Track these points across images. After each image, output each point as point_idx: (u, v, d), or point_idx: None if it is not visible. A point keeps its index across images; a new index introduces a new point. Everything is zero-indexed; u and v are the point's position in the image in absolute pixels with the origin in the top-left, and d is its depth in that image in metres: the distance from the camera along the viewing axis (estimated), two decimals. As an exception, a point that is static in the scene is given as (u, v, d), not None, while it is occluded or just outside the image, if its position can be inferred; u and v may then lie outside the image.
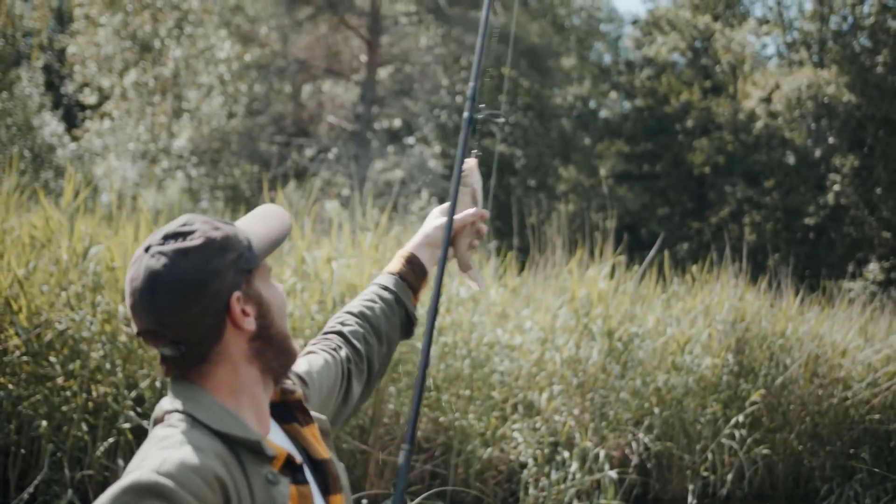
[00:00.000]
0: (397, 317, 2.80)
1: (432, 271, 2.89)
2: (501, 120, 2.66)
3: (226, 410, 2.10)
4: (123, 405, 7.79)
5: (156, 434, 2.07)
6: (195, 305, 2.08)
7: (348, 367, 2.64)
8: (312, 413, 2.33)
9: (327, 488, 2.23)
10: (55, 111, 22.61)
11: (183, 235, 2.12)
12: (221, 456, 2.02)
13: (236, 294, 2.11)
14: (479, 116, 2.67)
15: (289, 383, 2.34)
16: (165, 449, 1.98)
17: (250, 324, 2.14)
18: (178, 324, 2.08)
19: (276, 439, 2.22)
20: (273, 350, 2.20)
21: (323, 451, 2.26)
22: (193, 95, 23.63)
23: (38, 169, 18.56)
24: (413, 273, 2.87)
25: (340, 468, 2.30)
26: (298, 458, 2.16)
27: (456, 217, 2.84)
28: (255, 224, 2.25)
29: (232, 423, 2.08)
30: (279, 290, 2.28)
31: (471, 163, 2.82)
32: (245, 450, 2.06)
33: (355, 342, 2.70)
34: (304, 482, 2.13)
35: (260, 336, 2.17)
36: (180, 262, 2.09)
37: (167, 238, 2.12)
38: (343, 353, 2.66)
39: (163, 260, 2.09)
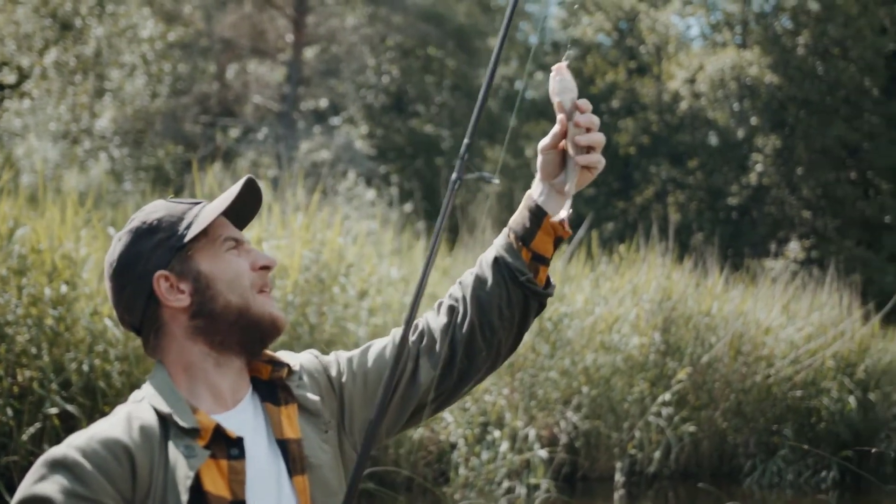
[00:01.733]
0: (499, 273, 2.32)
1: (559, 203, 2.30)
2: (496, 181, 2.38)
3: (169, 386, 2.16)
4: (49, 390, 7.69)
5: None
6: (126, 288, 2.20)
7: (418, 347, 2.39)
8: (300, 393, 2.27)
9: (291, 469, 2.20)
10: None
11: (131, 221, 2.25)
12: (146, 429, 2.08)
13: (159, 272, 2.17)
14: (469, 177, 2.24)
15: (283, 361, 2.31)
16: (94, 425, 2.11)
17: (181, 300, 2.18)
18: (120, 306, 2.23)
19: (239, 417, 2.20)
20: (222, 325, 2.19)
21: (288, 431, 2.22)
22: (116, 75, 23.30)
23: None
24: (520, 218, 2.34)
25: (316, 449, 2.24)
26: (234, 433, 2.12)
27: (549, 136, 2.30)
28: (217, 199, 2.26)
29: (163, 398, 2.13)
30: (235, 263, 2.22)
31: (556, 68, 2.28)
32: (172, 423, 2.10)
33: (437, 316, 2.41)
34: (239, 457, 2.11)
35: (199, 313, 2.18)
36: (115, 247, 2.23)
37: (127, 223, 2.25)
38: (413, 334, 2.41)
39: (110, 247, 2.25)
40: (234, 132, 25.39)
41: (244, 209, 2.34)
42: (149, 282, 2.18)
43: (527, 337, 10.37)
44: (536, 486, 9.65)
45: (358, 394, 2.37)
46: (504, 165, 28.92)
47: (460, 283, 2.41)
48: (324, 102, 27.14)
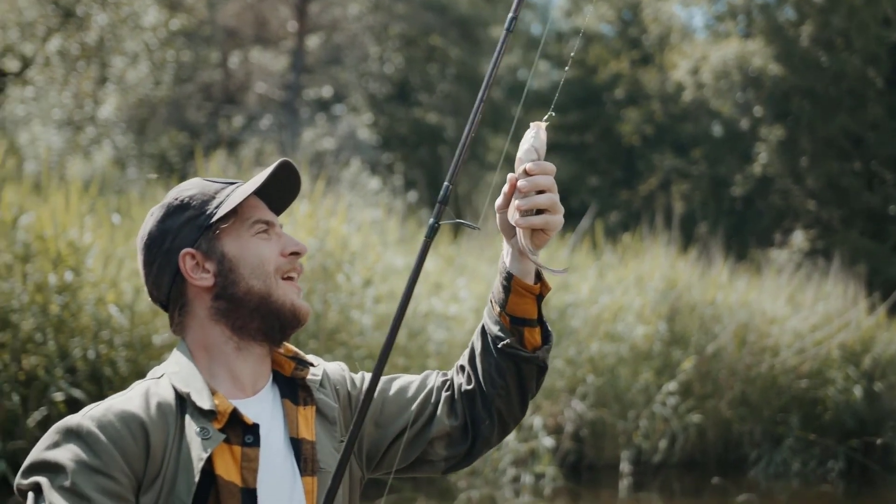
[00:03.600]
0: (485, 341, 2.29)
1: (525, 265, 2.23)
2: (477, 228, 2.34)
3: (190, 365, 2.16)
4: (55, 376, 7.68)
5: None
6: (155, 263, 2.20)
7: (441, 394, 2.36)
8: (320, 397, 2.26)
9: (301, 469, 2.18)
10: (-24, 77, 22.15)
11: (165, 197, 2.24)
12: (163, 406, 2.07)
13: (186, 250, 2.17)
14: (446, 223, 2.20)
15: (307, 360, 2.30)
16: (112, 397, 2.11)
17: (205, 280, 2.17)
18: (149, 281, 2.22)
19: (258, 406, 2.18)
20: (243, 310, 2.17)
21: (304, 431, 2.20)
22: (119, 63, 23.27)
23: (-41, 137, 18.18)
24: (496, 282, 2.29)
25: (328, 455, 2.21)
26: (251, 420, 2.11)
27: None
28: (252, 179, 2.23)
29: (183, 377, 2.13)
30: (261, 247, 2.19)
31: (534, 125, 2.26)
32: (190, 403, 2.09)
33: (454, 372, 2.40)
34: (253, 444, 2.09)
35: (221, 295, 2.17)
36: (147, 222, 2.23)
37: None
38: (441, 378, 2.41)
39: (143, 223, 2.24)
40: (238, 120, 25.35)
41: (282, 192, 2.30)
42: (175, 258, 2.17)
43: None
44: (542, 475, 9.64)
45: (370, 418, 2.34)
46: (508, 155, 28.84)
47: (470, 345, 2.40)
48: (327, 91, 27.09)
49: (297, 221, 9.83)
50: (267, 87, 26.22)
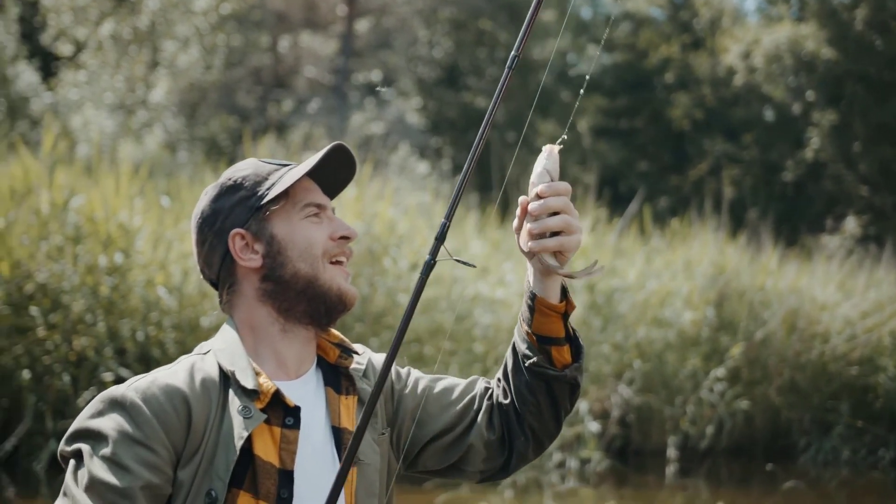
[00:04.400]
0: (515, 358, 2.28)
1: (547, 284, 2.20)
2: (473, 266, 2.33)
3: (236, 344, 2.17)
4: (104, 356, 7.77)
5: None
6: (206, 241, 2.22)
7: (482, 402, 2.36)
8: (363, 387, 2.25)
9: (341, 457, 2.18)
10: (31, 60, 22.36)
11: (221, 176, 2.27)
12: (207, 382, 2.10)
13: (235, 231, 2.18)
14: (442, 260, 2.17)
15: (352, 349, 2.30)
16: (158, 369, 2.15)
17: (253, 261, 2.18)
18: (201, 258, 2.25)
19: (301, 389, 2.19)
20: (290, 292, 2.18)
21: (345, 420, 2.20)
22: (170, 47, 23.42)
23: (13, 120, 18.38)
24: (524, 302, 2.26)
25: (367, 447, 2.21)
26: (293, 402, 2.11)
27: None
28: (305, 161, 2.24)
29: (228, 354, 2.14)
30: (310, 231, 2.20)
31: (546, 149, 2.21)
32: (234, 381, 2.10)
33: (495, 381, 2.39)
34: (293, 427, 2.10)
35: (269, 277, 2.18)
36: (202, 200, 2.25)
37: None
38: (484, 385, 2.41)
39: (198, 200, 2.28)
40: (287, 104, 25.43)
41: (336, 175, 2.31)
42: (225, 238, 2.19)
43: (578, 311, 10.33)
44: (588, 460, 9.63)
45: (409, 413, 2.35)
46: (555, 139, 28.72)
47: None
48: (376, 75, 27.10)
49: (344, 205, 9.86)
50: (316, 72, 26.29)
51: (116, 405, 2.05)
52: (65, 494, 2.03)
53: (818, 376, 11.57)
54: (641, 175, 28.56)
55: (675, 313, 10.97)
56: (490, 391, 2.36)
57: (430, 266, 2.13)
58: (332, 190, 2.32)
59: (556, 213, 2.13)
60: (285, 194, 2.19)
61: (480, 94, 28.73)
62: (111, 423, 2.03)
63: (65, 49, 23.29)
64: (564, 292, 2.22)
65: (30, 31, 23.99)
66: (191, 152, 19.73)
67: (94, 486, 1.99)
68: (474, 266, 2.31)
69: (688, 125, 29.92)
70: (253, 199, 2.19)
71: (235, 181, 2.21)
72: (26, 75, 21.12)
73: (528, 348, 2.24)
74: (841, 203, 25.70)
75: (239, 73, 25.18)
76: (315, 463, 2.14)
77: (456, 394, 2.37)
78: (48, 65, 23.79)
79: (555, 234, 2.14)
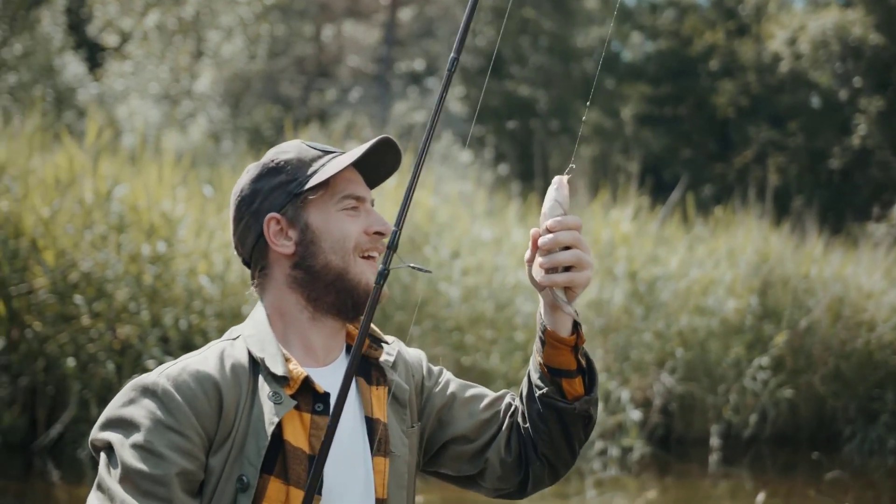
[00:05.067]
0: (528, 388, 2.27)
1: (557, 318, 2.16)
2: (429, 272, 2.29)
3: (266, 329, 2.17)
4: (148, 344, 7.84)
5: None
6: (242, 220, 2.23)
7: (507, 419, 2.36)
8: (394, 379, 2.25)
9: (373, 448, 2.19)
10: (77, 51, 22.56)
11: (266, 155, 2.26)
12: (237, 368, 2.10)
13: (272, 215, 2.18)
14: (397, 267, 2.16)
15: (384, 339, 2.30)
16: (187, 355, 2.15)
17: (285, 247, 2.18)
18: (235, 235, 2.25)
19: (330, 376, 2.18)
20: (319, 283, 2.18)
21: (377, 411, 2.21)
22: (214, 37, 23.55)
23: (60, 110, 18.57)
24: (537, 330, 2.24)
25: (397, 439, 2.23)
26: (322, 388, 2.12)
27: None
28: (349, 152, 2.23)
29: (258, 340, 2.15)
30: (345, 224, 2.19)
31: (556, 180, 2.18)
32: (264, 367, 2.10)
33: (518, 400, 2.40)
34: (323, 413, 2.10)
35: (300, 265, 2.18)
36: (243, 177, 2.25)
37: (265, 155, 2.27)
38: (510, 400, 2.41)
39: (240, 177, 2.27)
40: (331, 94, 25.50)
41: (380, 167, 2.29)
42: (261, 220, 2.19)
43: (620, 299, 10.30)
44: (629, 448, 9.60)
45: (436, 411, 2.35)
46: (599, 126, 28.66)
47: None
48: (419, 64, 27.11)
49: (385, 194, 9.88)
50: (359, 61, 26.33)
51: (148, 392, 2.05)
52: (99, 487, 2.03)
53: (863, 365, 11.47)
54: (686, 163, 28.38)
55: (718, 301, 10.90)
56: (513, 409, 2.36)
57: (383, 275, 2.10)
58: (374, 180, 2.30)
59: (567, 248, 2.11)
60: (325, 183, 2.18)
61: (523, 82, 28.66)
62: (143, 411, 2.03)
63: (111, 40, 23.48)
64: (576, 325, 2.19)
65: (76, 22, 24.20)
66: (234, 142, 19.84)
67: (128, 475, 1.98)
68: (430, 272, 2.31)
69: (733, 112, 29.70)
70: (293, 184, 2.18)
71: (278, 164, 2.21)
72: (73, 66, 21.33)
73: (539, 378, 2.24)
74: (888, 190, 25.40)
75: (282, 62, 25.28)
76: (345, 450, 2.14)
77: (483, 404, 2.37)
78: (94, 55, 24.00)
79: (566, 268, 2.11)
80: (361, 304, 2.20)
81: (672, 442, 10.55)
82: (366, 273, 2.19)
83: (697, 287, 10.95)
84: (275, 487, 2.06)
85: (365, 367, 2.26)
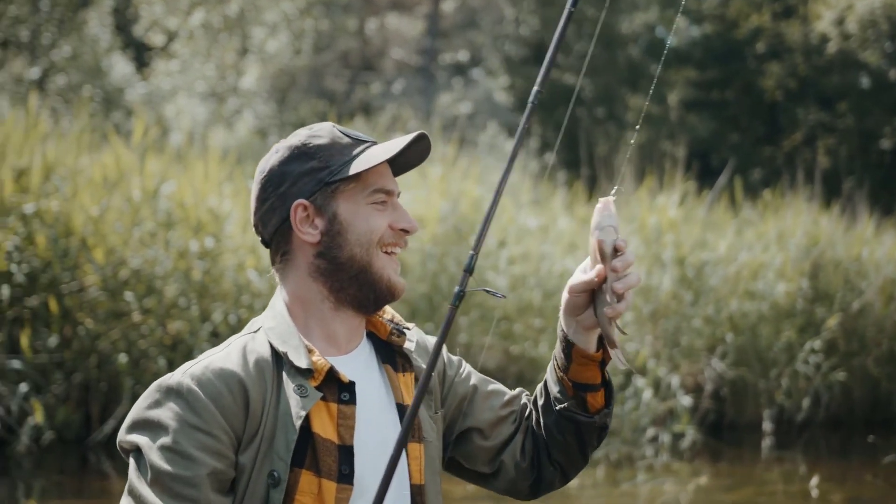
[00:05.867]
0: (546, 398, 2.30)
1: (588, 337, 2.19)
2: (501, 296, 2.25)
3: (286, 321, 2.15)
4: (199, 339, 7.92)
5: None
6: (267, 201, 2.18)
7: (523, 420, 2.39)
8: (419, 365, 2.25)
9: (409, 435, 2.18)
10: (125, 51, 22.78)
11: (295, 135, 2.21)
12: (261, 363, 2.08)
13: (300, 201, 2.14)
14: (473, 290, 2.14)
15: (405, 326, 2.30)
16: (209, 353, 2.13)
17: (311, 235, 2.15)
18: (257, 215, 2.21)
19: (352, 363, 2.18)
20: (342, 274, 2.16)
21: (406, 397, 2.21)
22: (259, 34, 23.68)
23: (108, 110, 18.76)
24: (558, 346, 2.25)
25: (427, 423, 2.23)
26: (347, 378, 2.11)
27: (582, 279, 2.16)
28: (382, 145, 2.19)
29: (280, 333, 2.13)
30: (373, 218, 2.16)
31: (602, 202, 2.15)
32: (287, 361, 2.09)
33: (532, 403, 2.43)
34: (349, 402, 2.10)
35: (324, 255, 2.15)
36: (271, 157, 2.20)
37: (292, 134, 2.22)
38: (526, 399, 2.43)
39: (269, 152, 2.22)
40: (376, 87, 25.57)
41: (408, 160, 2.27)
42: (289, 204, 2.15)
43: (668, 284, 10.26)
44: (681, 434, 9.56)
45: (458, 400, 2.35)
46: (647, 114, 28.49)
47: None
48: (463, 55, 27.11)
49: (430, 185, 9.90)
50: (403, 53, 26.38)
51: (172, 393, 2.04)
52: (130, 493, 2.02)
53: (919, 346, 11.34)
54: (733, 147, 28.15)
55: (768, 285, 10.82)
56: (528, 411, 2.38)
57: (459, 296, 2.11)
58: (400, 169, 2.29)
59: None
60: (356, 175, 2.15)
61: (568, 70, 28.55)
62: (169, 413, 2.02)
63: (157, 39, 23.67)
64: (600, 340, 2.21)
65: (123, 22, 24.44)
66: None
67: (158, 478, 1.98)
68: (504, 297, 2.28)
69: (780, 95, 29.41)
70: (324, 172, 2.15)
71: (310, 148, 2.16)
72: (120, 66, 21.54)
73: (560, 392, 2.25)
74: (941, 170, 25.11)
75: (327, 57, 25.38)
76: (374, 437, 2.13)
77: (503, 401, 2.38)
78: (141, 55, 24.22)
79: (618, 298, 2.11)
80: (382, 299, 2.19)
81: (724, 427, 10.49)
82: (387, 268, 2.17)
83: (747, 271, 10.87)
84: (307, 480, 2.05)
85: (390, 355, 2.25)
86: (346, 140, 2.19)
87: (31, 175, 8.22)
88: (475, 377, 2.40)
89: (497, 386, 2.41)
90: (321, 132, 2.19)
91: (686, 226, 11.09)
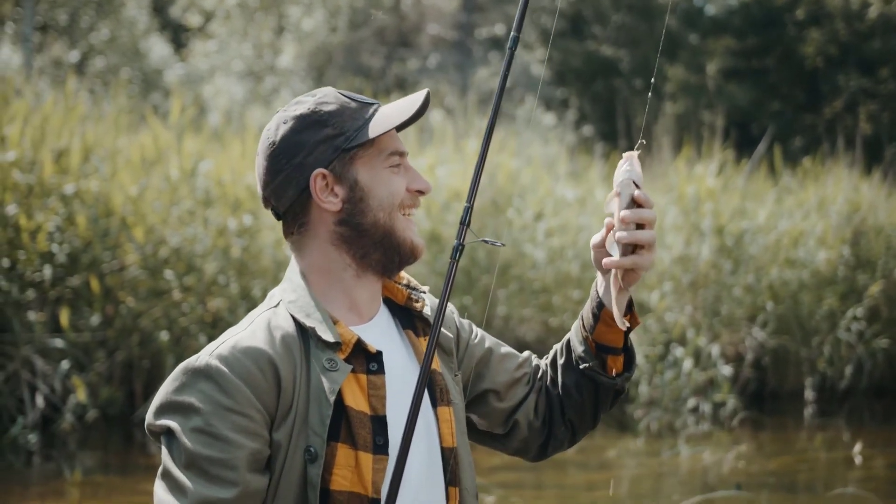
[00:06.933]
0: (568, 356, 2.34)
1: (619, 298, 2.18)
2: (500, 244, 2.27)
3: (306, 292, 2.13)
4: (238, 316, 7.97)
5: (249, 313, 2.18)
6: (281, 174, 2.13)
7: (536, 382, 2.42)
8: (441, 329, 2.20)
9: (436, 398, 2.18)
10: (162, 33, 22.90)
11: (299, 103, 2.16)
12: (287, 339, 2.06)
13: (319, 170, 2.11)
14: (471, 242, 2.17)
15: (421, 295, 2.29)
16: (233, 332, 2.09)
17: (332, 204, 2.12)
18: (269, 188, 2.16)
19: (374, 331, 2.18)
20: (366, 240, 2.14)
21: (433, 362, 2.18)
22: (295, 12, 23.71)
23: (146, 92, 18.88)
24: (588, 306, 2.30)
25: (451, 385, 2.23)
26: (374, 348, 2.11)
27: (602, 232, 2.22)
28: (392, 107, 2.18)
29: (302, 306, 2.11)
30: (393, 181, 2.15)
31: (626, 156, 2.17)
32: (314, 335, 2.07)
33: (545, 365, 2.46)
34: (378, 372, 2.09)
35: (346, 222, 2.13)
36: (279, 128, 2.15)
37: (293, 103, 2.18)
38: (536, 363, 2.46)
39: (272, 124, 2.17)
40: (413, 63, 25.54)
41: (409, 119, 2.23)
42: (307, 175, 2.11)
43: (707, 254, 10.22)
44: (722, 403, 9.54)
45: (473, 364, 2.36)
46: (685, 83, 28.30)
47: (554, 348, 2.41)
48: (499, 28, 27.01)
49: (466, 159, 9.91)
50: (439, 28, 26.31)
51: (200, 375, 2.01)
52: (164, 476, 2.00)
53: (963, 312, 11.23)
54: (774, 115, 27.88)
55: (808, 253, 10.75)
56: (542, 373, 2.41)
57: (458, 249, 2.12)
58: (401, 127, 2.24)
59: (642, 227, 2.12)
60: (372, 140, 2.13)
61: (605, 42, 28.41)
62: (199, 395, 1.99)
63: (194, 20, 23.76)
64: (630, 306, 2.24)
65: (160, 4, 24.55)
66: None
67: (194, 461, 1.95)
68: (503, 245, 2.32)
69: (821, 62, 29.09)
70: (340, 138, 2.11)
71: (321, 115, 2.12)
72: (158, 48, 21.66)
73: (584, 352, 2.30)
74: None
75: (363, 33, 25.36)
76: (406, 405, 2.09)
77: (517, 363, 2.40)
78: (179, 36, 24.33)
79: (632, 250, 2.12)
80: (406, 260, 2.19)
81: (766, 396, 10.45)
82: (408, 230, 2.17)
83: (787, 239, 10.80)
84: (343, 453, 2.03)
85: (409, 319, 2.26)
86: (354, 104, 2.16)
87: (70, 156, 8.30)
88: (489, 340, 2.41)
89: (509, 349, 2.43)
90: (327, 98, 2.16)
91: (725, 195, 11.03)
